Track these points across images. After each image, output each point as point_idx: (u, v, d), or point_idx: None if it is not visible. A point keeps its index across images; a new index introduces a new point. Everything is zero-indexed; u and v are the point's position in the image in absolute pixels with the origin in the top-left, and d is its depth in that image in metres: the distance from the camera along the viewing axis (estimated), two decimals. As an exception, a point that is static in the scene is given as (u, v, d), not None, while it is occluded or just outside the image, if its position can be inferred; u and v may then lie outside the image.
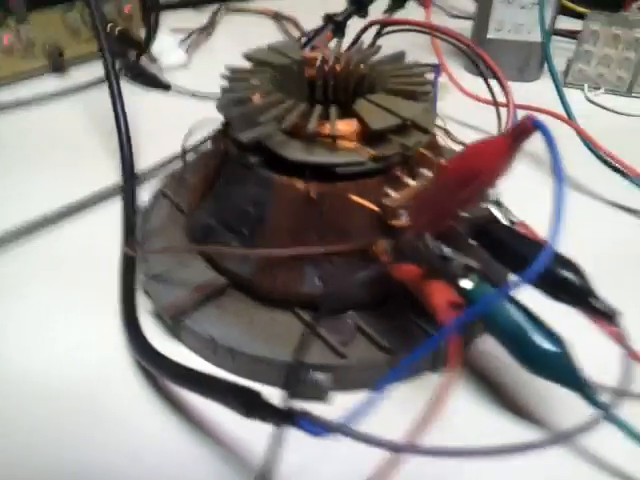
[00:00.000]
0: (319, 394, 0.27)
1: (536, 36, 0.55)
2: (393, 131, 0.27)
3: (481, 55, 0.31)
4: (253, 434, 0.22)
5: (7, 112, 0.52)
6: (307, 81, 0.33)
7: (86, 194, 0.40)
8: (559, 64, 0.59)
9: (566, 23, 0.65)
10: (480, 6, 0.56)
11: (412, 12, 0.76)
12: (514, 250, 0.23)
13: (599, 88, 0.56)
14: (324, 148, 0.26)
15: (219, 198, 0.31)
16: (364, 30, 0.35)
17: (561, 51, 0.61)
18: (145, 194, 0.39)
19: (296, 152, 0.26)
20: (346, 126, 0.27)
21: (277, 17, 0.68)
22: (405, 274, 0.24)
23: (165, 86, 0.54)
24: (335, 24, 0.45)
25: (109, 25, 0.59)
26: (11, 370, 0.29)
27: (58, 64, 0.58)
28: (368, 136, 0.27)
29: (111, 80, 0.41)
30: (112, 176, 0.43)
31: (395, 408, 0.27)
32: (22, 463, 0.25)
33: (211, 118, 0.46)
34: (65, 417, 0.27)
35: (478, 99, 0.43)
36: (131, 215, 0.36)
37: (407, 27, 0.35)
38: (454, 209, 0.23)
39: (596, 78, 0.55)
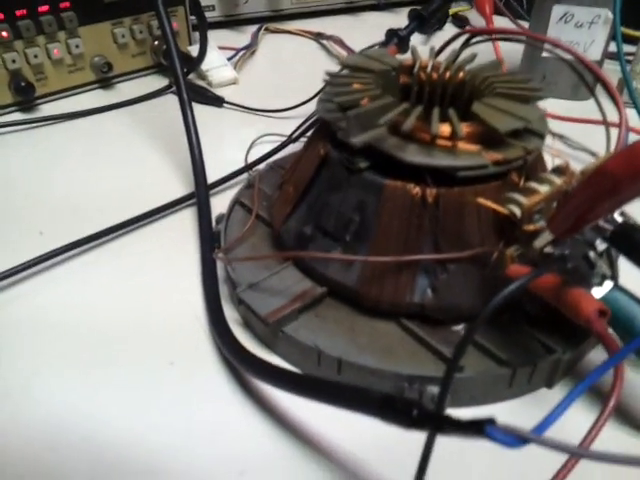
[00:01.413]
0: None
1: (591, 54, 0.55)
2: (511, 135, 0.26)
3: (595, 71, 0.30)
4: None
5: (60, 123, 0.51)
6: (400, 87, 0.32)
7: (148, 202, 0.39)
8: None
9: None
10: (535, 25, 0.56)
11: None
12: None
13: (652, 107, 0.55)
14: (444, 151, 0.25)
15: (315, 204, 0.30)
16: (453, 39, 0.34)
17: (611, 73, 0.61)
18: (216, 204, 0.38)
19: (414, 155, 0.25)
20: (466, 129, 0.26)
21: (320, 37, 0.68)
22: (542, 281, 0.23)
23: (218, 101, 0.54)
24: (399, 39, 0.45)
25: (156, 42, 0.59)
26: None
27: (106, 78, 0.57)
28: (488, 139, 0.26)
29: (182, 92, 0.40)
30: (174, 185, 0.42)
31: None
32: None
33: (269, 132, 0.46)
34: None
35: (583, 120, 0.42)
36: (208, 223, 0.35)
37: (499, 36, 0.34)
38: (607, 211, 0.22)
39: (649, 98, 0.55)
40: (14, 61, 0.50)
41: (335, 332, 0.27)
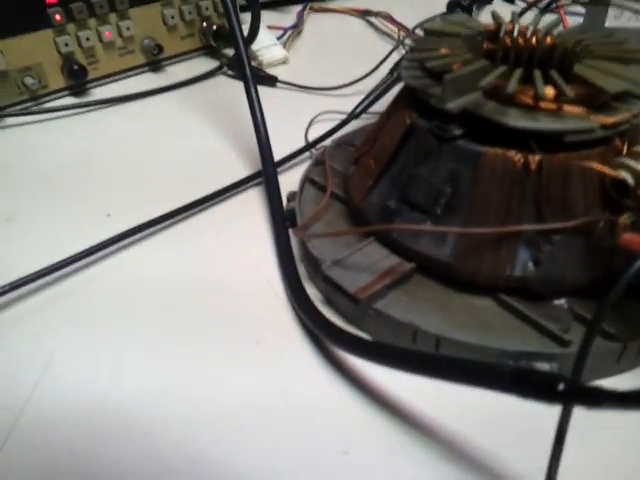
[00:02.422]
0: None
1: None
2: (615, 98, 0.25)
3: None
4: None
5: (113, 106, 0.50)
6: (484, 53, 0.30)
7: (210, 184, 0.38)
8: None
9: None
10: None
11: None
12: None
13: None
14: (548, 115, 0.24)
15: (400, 177, 0.28)
16: (534, 3, 0.33)
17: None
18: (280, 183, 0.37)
19: (517, 119, 0.24)
20: (570, 92, 0.24)
21: (368, 14, 0.66)
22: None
23: (271, 81, 0.53)
24: (462, 9, 0.43)
25: (204, 23, 0.58)
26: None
27: (156, 61, 0.56)
28: (592, 102, 0.24)
29: (244, 66, 0.39)
30: (235, 165, 0.41)
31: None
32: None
33: (327, 110, 0.45)
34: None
35: None
36: (279, 201, 0.34)
37: None
38: None
39: None
40: (67, 44, 0.49)
41: (428, 309, 0.26)
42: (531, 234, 0.25)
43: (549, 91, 0.24)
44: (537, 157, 0.24)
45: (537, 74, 0.24)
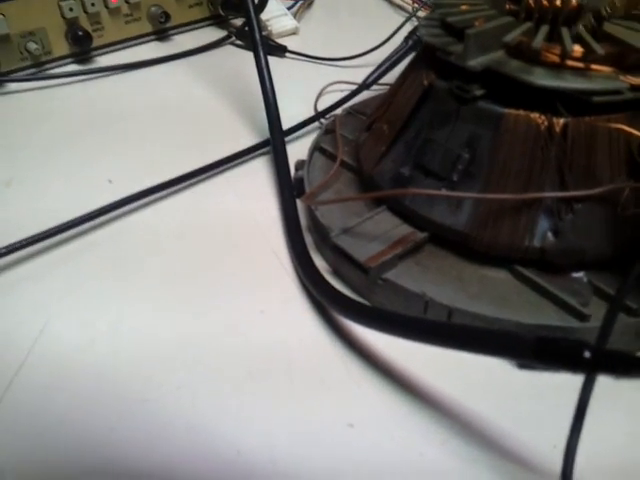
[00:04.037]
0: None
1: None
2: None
3: None
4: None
5: (117, 74, 0.49)
6: (506, 13, 0.29)
7: (216, 151, 0.36)
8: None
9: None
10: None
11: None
12: None
13: None
14: (576, 74, 0.23)
15: (415, 142, 0.27)
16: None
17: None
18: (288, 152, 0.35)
19: (543, 78, 0.22)
20: (599, 49, 0.23)
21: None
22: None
23: (281, 51, 0.51)
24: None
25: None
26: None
27: (163, 30, 0.55)
28: (621, 62, 0.23)
29: (254, 31, 0.37)
30: (241, 135, 0.40)
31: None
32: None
33: (337, 80, 0.44)
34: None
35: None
36: (286, 168, 0.33)
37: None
38: None
39: None
40: (71, 9, 0.48)
41: (440, 280, 0.25)
42: (552, 202, 0.24)
43: (577, 49, 0.23)
44: (562, 120, 0.23)
45: (564, 30, 0.23)
